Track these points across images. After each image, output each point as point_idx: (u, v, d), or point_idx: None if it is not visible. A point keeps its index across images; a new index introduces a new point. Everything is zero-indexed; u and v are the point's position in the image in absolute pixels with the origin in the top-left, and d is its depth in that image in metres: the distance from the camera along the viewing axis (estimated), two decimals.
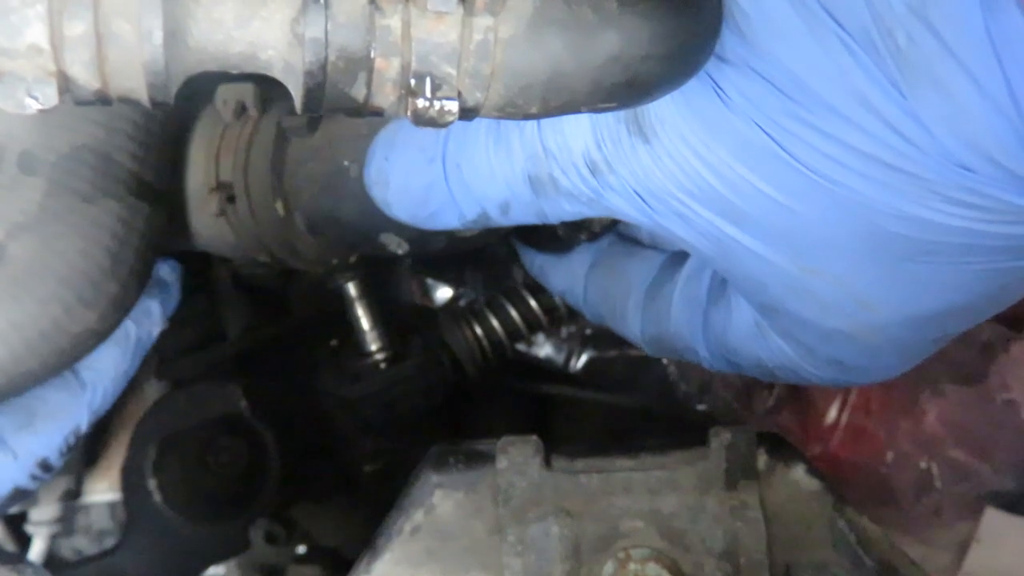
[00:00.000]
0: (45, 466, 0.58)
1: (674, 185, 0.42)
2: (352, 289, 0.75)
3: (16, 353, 0.51)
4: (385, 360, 0.77)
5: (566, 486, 0.47)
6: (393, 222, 0.52)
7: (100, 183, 0.52)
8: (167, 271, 0.62)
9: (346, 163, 0.56)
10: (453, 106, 0.34)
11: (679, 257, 0.56)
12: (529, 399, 0.92)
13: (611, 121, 0.43)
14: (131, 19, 0.30)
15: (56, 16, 0.30)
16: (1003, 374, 0.81)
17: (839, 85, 0.36)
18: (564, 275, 0.63)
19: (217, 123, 0.63)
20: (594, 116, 0.43)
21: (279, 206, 0.61)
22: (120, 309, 0.55)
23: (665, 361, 0.88)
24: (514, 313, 0.81)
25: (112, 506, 0.86)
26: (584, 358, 0.89)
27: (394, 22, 0.32)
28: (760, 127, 0.38)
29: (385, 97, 0.33)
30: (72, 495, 0.83)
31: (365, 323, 0.76)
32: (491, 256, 0.86)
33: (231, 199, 0.63)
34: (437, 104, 0.33)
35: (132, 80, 0.32)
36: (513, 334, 0.82)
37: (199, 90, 0.63)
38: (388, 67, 0.32)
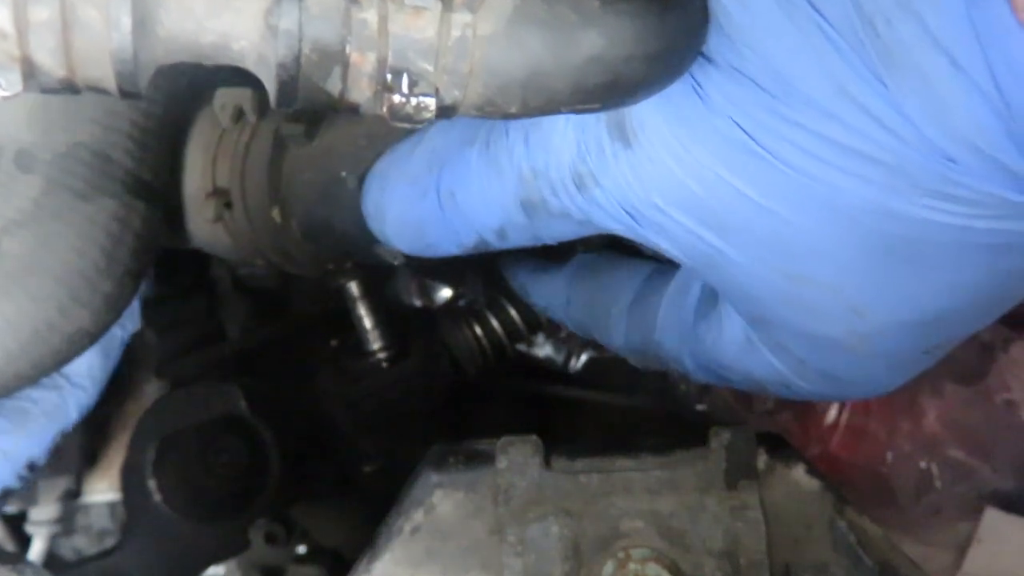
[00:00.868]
0: (32, 466, 0.58)
1: (657, 193, 0.41)
2: (354, 289, 0.75)
3: (9, 352, 0.50)
4: (386, 360, 0.77)
5: (566, 486, 0.47)
6: None
7: (97, 181, 0.52)
8: None
9: (343, 174, 0.56)
10: (430, 103, 0.33)
11: (666, 268, 0.55)
12: (529, 399, 0.92)
13: (594, 128, 0.42)
14: (99, 6, 0.30)
15: (21, 0, 0.29)
16: (1003, 374, 0.81)
17: (820, 77, 0.35)
18: (546, 288, 0.62)
19: (215, 127, 0.63)
20: (579, 128, 0.43)
21: (275, 213, 0.61)
22: (114, 309, 0.54)
23: None
24: (514, 313, 0.81)
25: (112, 506, 0.86)
26: (584, 358, 0.89)
27: (370, 16, 0.31)
28: (740, 126, 0.38)
29: (361, 92, 0.33)
30: (72, 495, 0.83)
31: (367, 322, 0.76)
32: (491, 257, 0.86)
33: (228, 205, 0.63)
34: (414, 100, 0.33)
35: (99, 69, 0.31)
36: (513, 334, 0.82)
37: (197, 92, 0.63)
38: (364, 62, 0.32)
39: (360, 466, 0.83)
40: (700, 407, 0.88)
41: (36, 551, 0.82)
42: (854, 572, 0.46)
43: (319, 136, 0.59)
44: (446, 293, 0.89)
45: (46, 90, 0.32)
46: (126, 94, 0.32)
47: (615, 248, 0.59)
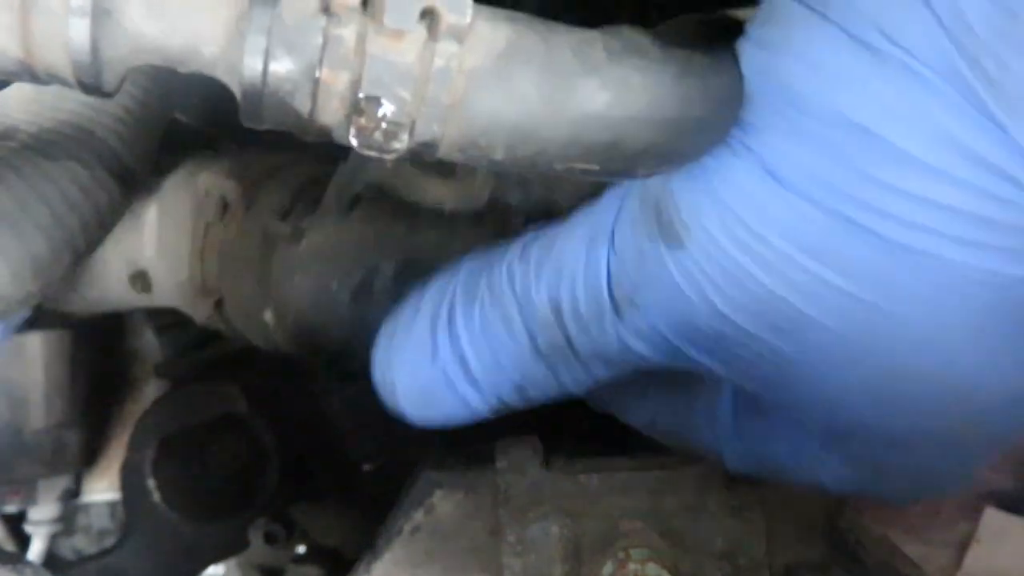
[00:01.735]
0: None
1: (718, 298, 0.34)
2: None
3: None
4: None
5: (566, 486, 0.47)
6: None
7: (72, 149, 0.50)
8: None
9: (334, 285, 0.54)
10: (403, 135, 0.30)
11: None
12: None
13: (629, 236, 0.36)
14: None
15: None
16: None
17: (919, 128, 0.30)
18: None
19: (199, 215, 0.62)
20: (605, 242, 0.37)
21: (268, 316, 0.60)
22: (40, 277, 0.48)
23: None
24: None
25: (112, 506, 0.86)
26: None
27: (348, 33, 0.29)
28: (820, 201, 0.32)
29: (331, 114, 0.30)
30: (72, 495, 0.83)
31: None
32: None
33: (219, 303, 0.63)
34: (386, 128, 0.30)
35: (56, 55, 0.29)
36: None
37: (172, 159, 0.62)
38: (336, 81, 0.29)
39: (359, 466, 0.83)
40: None
41: (36, 551, 0.82)
42: (854, 572, 0.46)
43: (307, 237, 0.57)
44: None
45: (5, 73, 0.30)
46: (87, 88, 0.30)
47: None
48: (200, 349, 0.82)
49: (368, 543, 0.49)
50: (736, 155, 0.33)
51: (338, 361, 0.65)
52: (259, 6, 0.29)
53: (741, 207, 0.33)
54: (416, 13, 0.29)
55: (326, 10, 0.29)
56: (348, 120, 0.30)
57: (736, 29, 0.34)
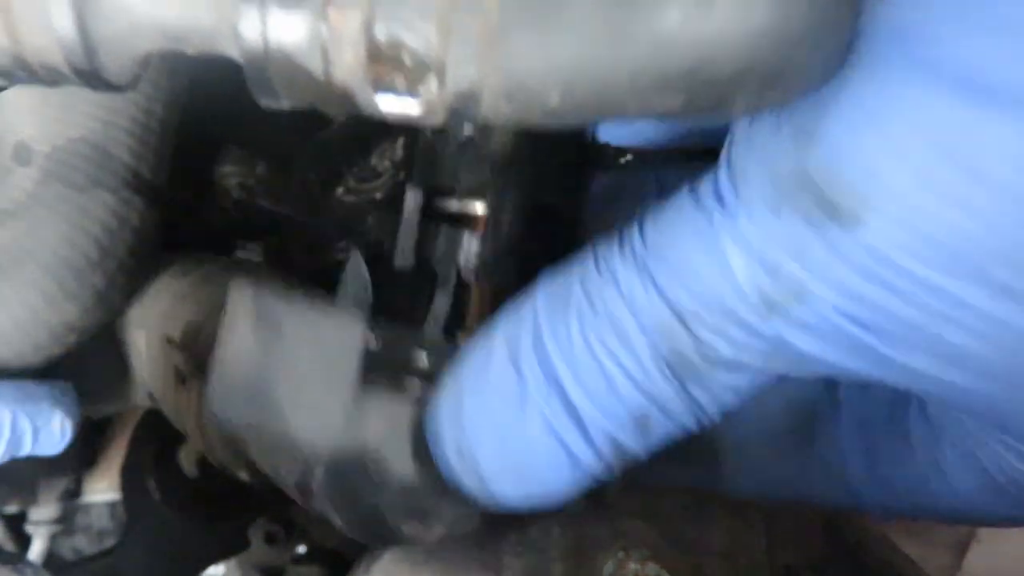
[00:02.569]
0: None
1: (920, 261, 0.27)
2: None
3: None
4: None
5: None
6: None
7: (94, 174, 0.51)
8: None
9: (310, 463, 0.51)
10: (431, 80, 0.25)
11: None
12: None
13: (773, 222, 0.29)
14: None
15: None
16: None
17: None
18: None
19: (168, 378, 0.61)
20: (745, 241, 0.30)
21: (243, 475, 0.58)
22: (103, 306, 0.52)
23: None
24: None
25: (112, 506, 0.86)
26: None
27: None
28: None
29: (347, 68, 0.25)
30: (72, 495, 0.83)
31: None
32: None
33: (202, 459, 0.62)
34: (411, 71, 0.25)
35: (42, 39, 0.27)
36: None
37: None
38: (345, 22, 0.24)
39: None
40: None
41: (36, 551, 0.82)
42: (854, 572, 0.46)
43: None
44: None
45: (2, 70, 0.28)
46: (87, 78, 0.28)
47: None
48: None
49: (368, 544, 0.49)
50: (918, 68, 0.25)
51: None
52: None
53: (944, 142, 0.26)
54: None
55: None
56: (367, 73, 0.26)
57: None
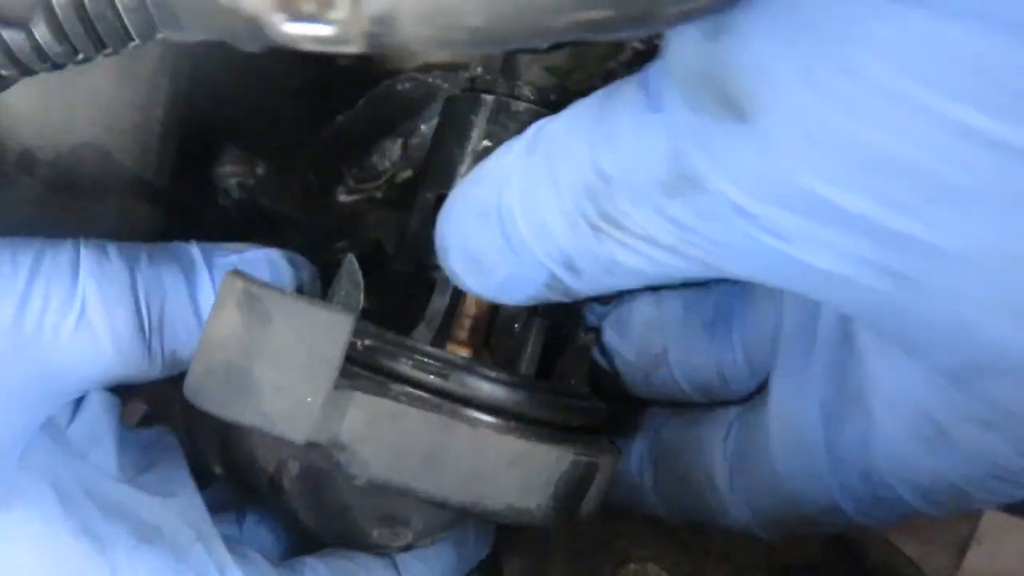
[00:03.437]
0: None
1: (804, 162, 0.27)
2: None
3: None
4: None
5: None
6: None
7: (99, 180, 0.52)
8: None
9: None
10: (344, 7, 0.23)
11: (758, 402, 0.42)
12: None
13: (690, 117, 0.30)
14: None
15: None
16: None
17: None
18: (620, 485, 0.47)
19: None
20: (666, 114, 0.31)
21: (217, 469, 0.57)
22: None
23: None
24: None
25: None
26: None
27: None
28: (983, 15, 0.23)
29: None
30: None
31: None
32: None
33: None
34: (321, 2, 0.23)
35: None
36: None
37: None
38: None
39: None
40: None
41: None
42: (854, 572, 0.46)
43: None
44: None
45: None
46: (57, 35, 0.27)
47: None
48: None
49: None
50: None
51: None
52: None
53: (825, 38, 0.25)
54: None
55: None
56: None
57: None
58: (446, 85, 0.59)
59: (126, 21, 0.33)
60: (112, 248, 0.39)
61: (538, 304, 0.39)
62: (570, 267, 0.36)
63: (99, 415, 0.42)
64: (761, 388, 0.43)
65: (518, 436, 0.38)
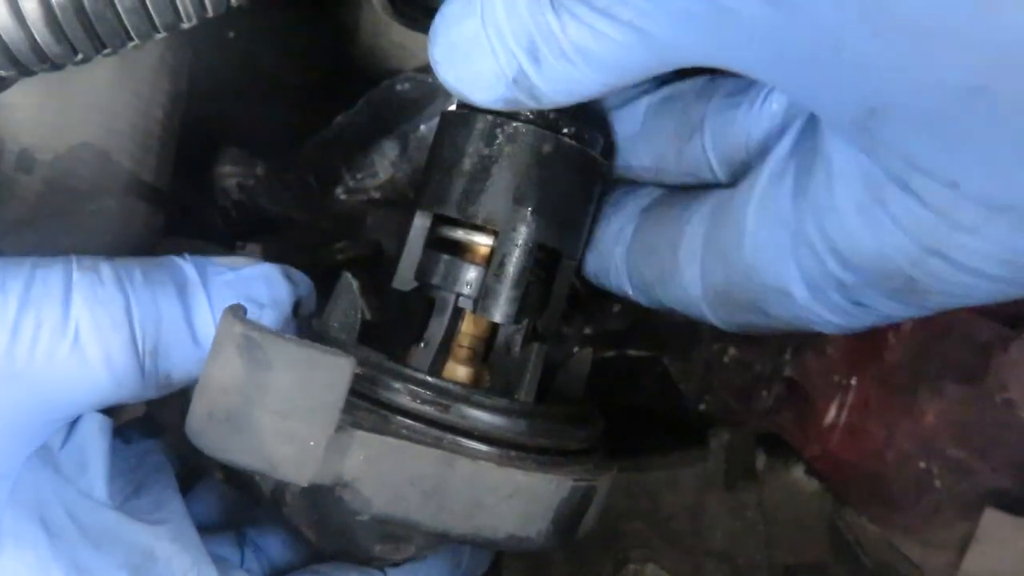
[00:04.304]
0: None
1: None
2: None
3: None
4: None
5: None
6: None
7: (97, 181, 0.52)
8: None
9: None
10: None
11: (745, 182, 0.42)
12: None
13: None
14: None
15: None
16: (1002, 374, 0.81)
17: None
18: (594, 255, 0.48)
19: None
20: None
21: (218, 475, 0.56)
22: None
23: (666, 361, 0.88)
24: None
25: None
26: None
27: None
28: None
29: None
30: None
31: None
32: None
33: None
34: None
35: None
36: None
37: None
38: None
39: None
40: (700, 407, 0.88)
41: None
42: (853, 572, 0.46)
43: None
44: None
45: None
46: None
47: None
48: None
49: None
50: None
51: None
52: None
53: None
54: None
55: None
56: None
57: None
58: None
59: (125, 21, 0.33)
60: (105, 269, 0.38)
61: (507, 108, 0.40)
62: (533, 55, 0.38)
63: (91, 437, 0.41)
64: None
65: (518, 467, 0.38)
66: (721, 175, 0.45)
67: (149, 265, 0.40)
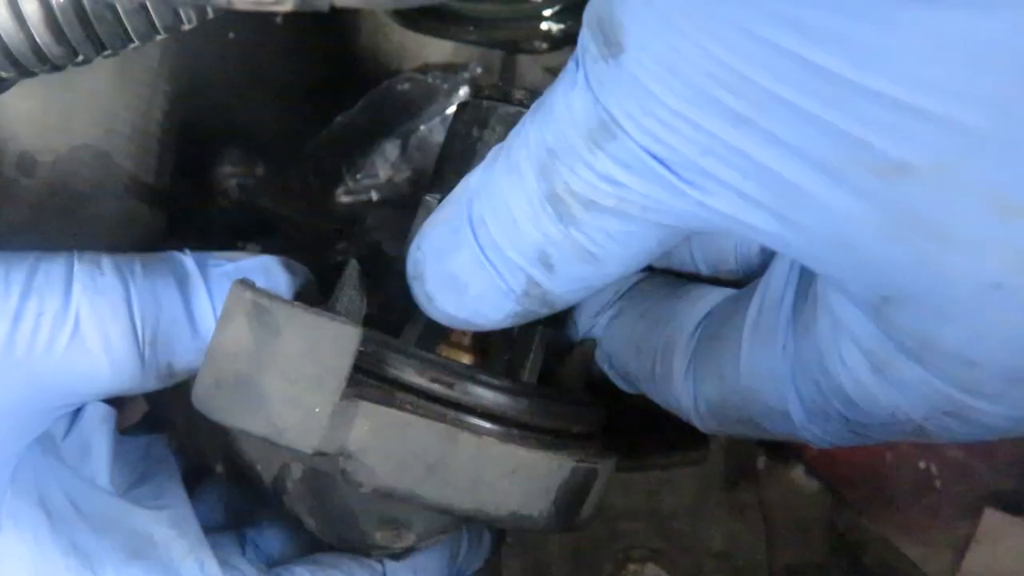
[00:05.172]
0: None
1: (671, 91, 0.28)
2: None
3: None
4: None
5: None
6: None
7: (98, 182, 0.52)
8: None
9: None
10: None
11: (747, 289, 0.40)
12: None
13: (593, 62, 0.31)
14: None
15: None
16: None
17: None
18: (572, 331, 0.47)
19: None
20: (583, 72, 0.32)
21: (219, 467, 0.55)
22: None
23: None
24: None
25: None
26: None
27: None
28: None
29: None
30: None
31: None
32: None
33: None
34: None
35: None
36: None
37: None
38: None
39: None
40: None
41: None
42: (853, 572, 0.47)
43: None
44: None
45: None
46: None
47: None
48: None
49: None
50: None
51: None
52: None
53: None
54: None
55: None
56: None
57: None
58: (445, 85, 0.59)
59: (125, 23, 0.33)
60: (106, 261, 0.39)
61: (517, 323, 0.38)
62: (544, 262, 0.36)
63: (94, 426, 0.41)
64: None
65: (521, 445, 0.38)
66: (708, 273, 0.44)
67: (149, 259, 0.40)
